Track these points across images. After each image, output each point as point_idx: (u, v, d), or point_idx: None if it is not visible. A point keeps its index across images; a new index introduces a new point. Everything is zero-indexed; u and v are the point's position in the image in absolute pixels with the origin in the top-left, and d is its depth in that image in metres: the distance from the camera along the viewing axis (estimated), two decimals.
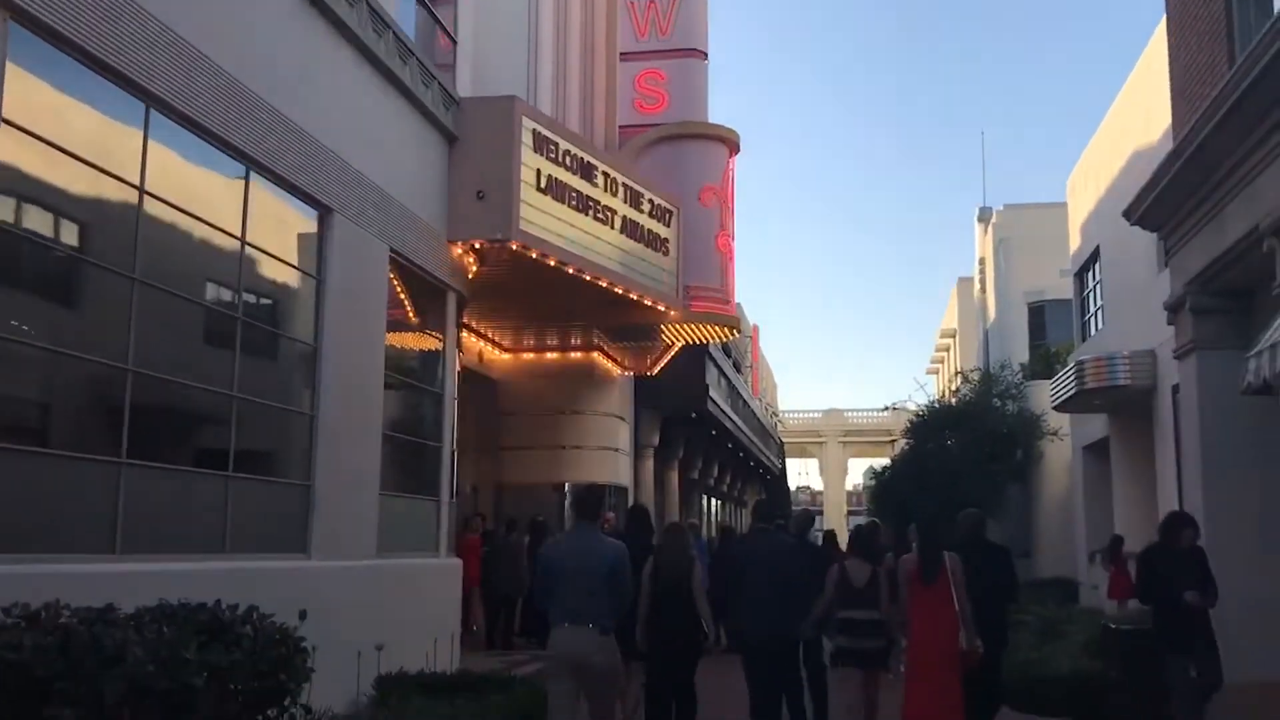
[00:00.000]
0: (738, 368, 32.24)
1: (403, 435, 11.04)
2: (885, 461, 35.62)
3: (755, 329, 44.24)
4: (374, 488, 9.91)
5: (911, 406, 30.71)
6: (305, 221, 9.12)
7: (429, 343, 11.84)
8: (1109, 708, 9.77)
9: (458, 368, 12.35)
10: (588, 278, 12.95)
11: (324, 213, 9.22)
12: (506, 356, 18.33)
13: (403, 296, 11.15)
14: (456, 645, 11.33)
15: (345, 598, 9.03)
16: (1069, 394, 18.32)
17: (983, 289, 37.54)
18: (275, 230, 8.71)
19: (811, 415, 66.85)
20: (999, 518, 27.84)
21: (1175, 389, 14.69)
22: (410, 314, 11.44)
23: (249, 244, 8.18)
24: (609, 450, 18.90)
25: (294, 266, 8.98)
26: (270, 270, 8.73)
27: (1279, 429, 9.22)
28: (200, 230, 7.68)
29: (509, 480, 18.38)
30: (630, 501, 20.87)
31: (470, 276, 12.33)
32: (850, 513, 57.38)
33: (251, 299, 8.49)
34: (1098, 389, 17.08)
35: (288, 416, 8.92)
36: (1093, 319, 21.99)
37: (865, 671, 8.47)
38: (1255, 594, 8.08)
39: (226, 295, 8.15)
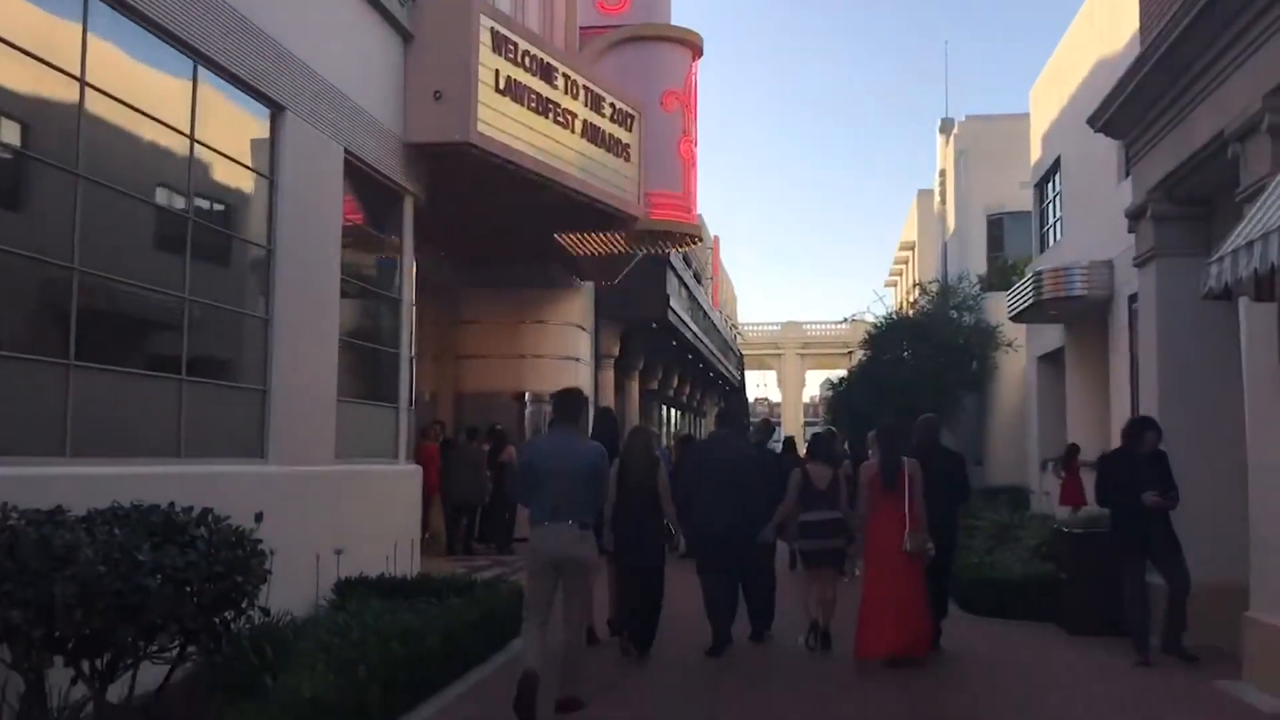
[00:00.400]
0: (698, 279, 32.14)
1: (360, 342, 10.91)
2: (842, 374, 35.83)
3: (716, 240, 44.02)
4: (331, 393, 9.80)
5: (869, 319, 30.84)
6: (256, 120, 8.85)
7: (386, 248, 11.64)
8: (1060, 609, 10.01)
9: (415, 274, 12.18)
10: (548, 182, 12.74)
11: (275, 111, 8.94)
12: (466, 264, 18.11)
13: (359, 200, 10.92)
14: (416, 551, 11.35)
15: (304, 503, 8.98)
16: (1026, 305, 18.38)
17: (943, 201, 37.49)
18: (225, 129, 8.44)
19: (770, 328, 67.07)
20: (953, 428, 28.22)
21: (1132, 299, 14.78)
22: (367, 218, 11.22)
23: (199, 142, 7.92)
24: (569, 360, 18.86)
25: (246, 167, 8.73)
26: (221, 170, 8.48)
27: (1235, 337, 9.29)
28: (147, 127, 7.41)
29: (468, 389, 18.32)
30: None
31: (428, 180, 12.09)
32: (807, 424, 57.92)
33: (202, 199, 8.25)
34: (1055, 299, 17.12)
35: (242, 320, 8.75)
36: (1051, 230, 22.01)
37: (825, 568, 8.95)
38: (1208, 498, 8.21)
39: (176, 195, 7.91)
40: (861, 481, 8.68)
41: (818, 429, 14.25)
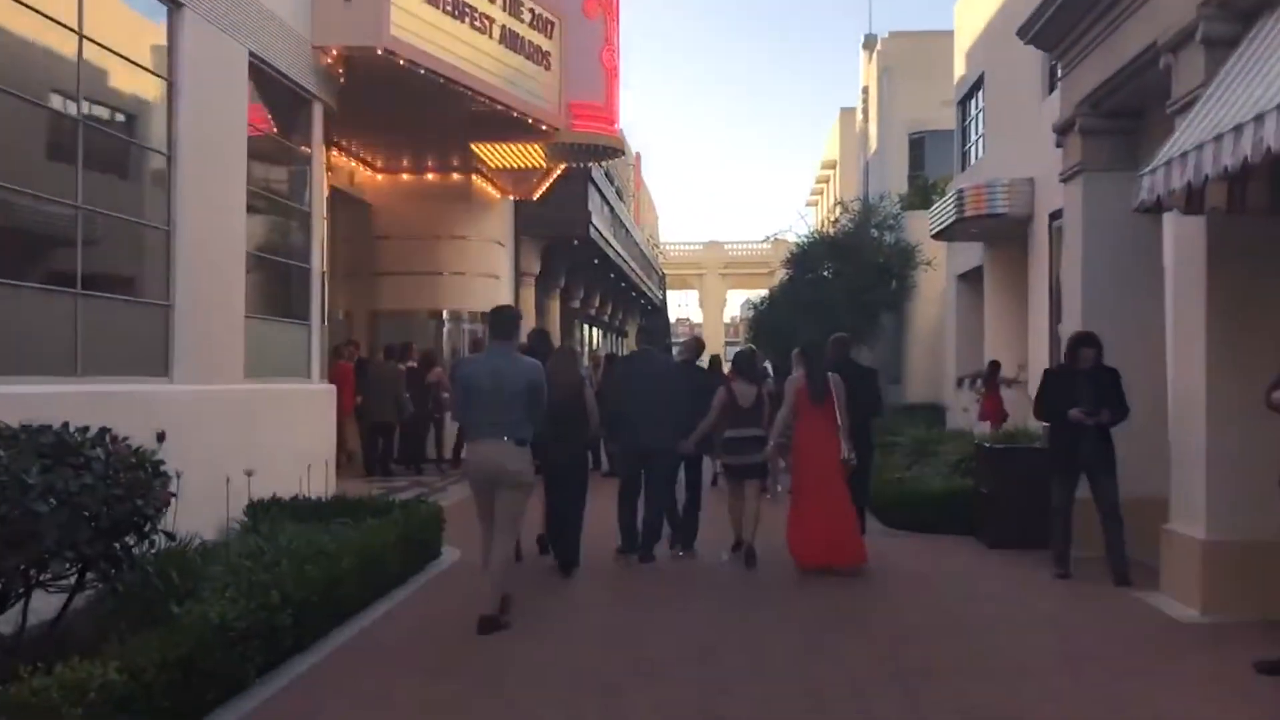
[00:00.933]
0: (620, 196, 31.74)
1: (269, 256, 10.49)
2: (764, 293, 35.84)
3: (637, 157, 43.55)
4: (239, 309, 9.41)
5: (792, 238, 30.78)
6: (153, 18, 8.31)
7: (295, 158, 11.13)
8: (979, 522, 10.11)
9: (326, 186, 11.71)
10: (464, 90, 12.29)
11: (173, 8, 8.40)
12: (380, 178, 17.57)
13: (266, 107, 10.40)
14: (332, 472, 11.07)
15: (212, 422, 8.64)
16: (948, 222, 18.40)
17: (865, 120, 37.39)
18: (118, 26, 7.90)
19: (693, 247, 66.87)
20: (873, 346, 28.47)
21: (1053, 217, 14.84)
22: (274, 126, 10.71)
23: (89, 39, 7.39)
24: (488, 277, 18.47)
25: (142, 68, 8.20)
26: (116, 71, 7.95)
27: (1160, 254, 9.32)
28: (29, 22, 6.87)
29: (384, 307, 17.87)
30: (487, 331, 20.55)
31: (339, 87, 11.57)
32: (728, 343, 58.10)
33: (94, 103, 7.73)
34: (976, 217, 17.14)
35: (142, 232, 8.29)
36: (973, 149, 22.03)
37: (748, 483, 9.09)
38: (1133, 414, 8.23)
39: (65, 98, 7.39)
40: (788, 395, 8.85)
41: (740, 348, 14.18)
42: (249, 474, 8.00)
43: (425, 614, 7.07)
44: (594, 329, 35.99)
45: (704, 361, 11.18)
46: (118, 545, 4.91)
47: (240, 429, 9.11)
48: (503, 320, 7.18)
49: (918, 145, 32.02)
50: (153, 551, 5.43)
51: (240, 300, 9.44)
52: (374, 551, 7.22)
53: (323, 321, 11.45)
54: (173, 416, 8.11)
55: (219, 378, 8.98)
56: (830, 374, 8.81)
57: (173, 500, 6.16)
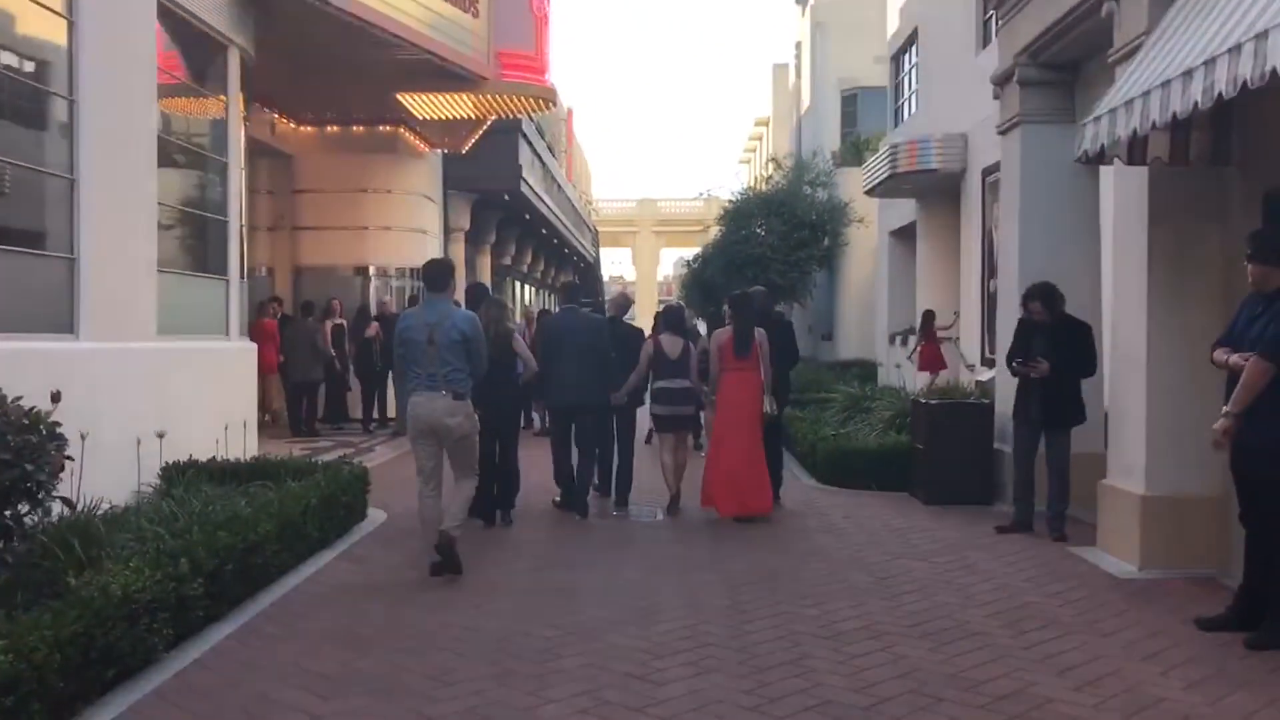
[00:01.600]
0: (552, 152, 31.26)
1: (184, 208, 10.01)
2: (697, 251, 35.63)
3: (570, 113, 42.94)
4: (150, 263, 8.94)
5: (724, 196, 30.55)
6: None
7: (210, 107, 10.62)
8: (914, 478, 10.03)
9: (244, 137, 11.20)
10: (386, 36, 11.81)
11: None
12: (303, 129, 16.97)
13: (179, 52, 9.88)
14: (252, 433, 10.66)
15: (122, 382, 8.23)
16: (881, 178, 18.28)
17: (798, 76, 37.20)
18: None
19: (625, 204, 66.44)
20: (804, 303, 28.47)
21: (986, 172, 14.78)
22: (188, 74, 10.19)
23: None
24: (416, 232, 18.00)
25: (42, 5, 7.68)
26: (12, 9, 7.44)
27: (1096, 207, 9.24)
28: None
29: (307, 262, 17.34)
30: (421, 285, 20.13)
31: (256, 33, 11.04)
32: (661, 301, 57.96)
33: None
34: (909, 173, 17.04)
35: (42, 181, 7.81)
36: (906, 104, 21.94)
37: (676, 434, 9.40)
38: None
39: None
40: (713, 347, 9.03)
41: (668, 304, 14.04)
42: (160, 435, 7.62)
43: (349, 579, 6.79)
44: (526, 286, 35.55)
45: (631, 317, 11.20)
46: (7, 514, 4.56)
47: (153, 388, 8.70)
48: (436, 272, 7.21)
49: (850, 102, 31.92)
50: (49, 520, 5.08)
51: (152, 254, 8.98)
52: (293, 516, 6.90)
53: (242, 277, 10.99)
54: (78, 375, 7.69)
55: (129, 335, 8.54)
56: (757, 329, 8.97)
57: (75, 464, 5.83)
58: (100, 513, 6.63)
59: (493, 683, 4.75)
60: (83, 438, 6.59)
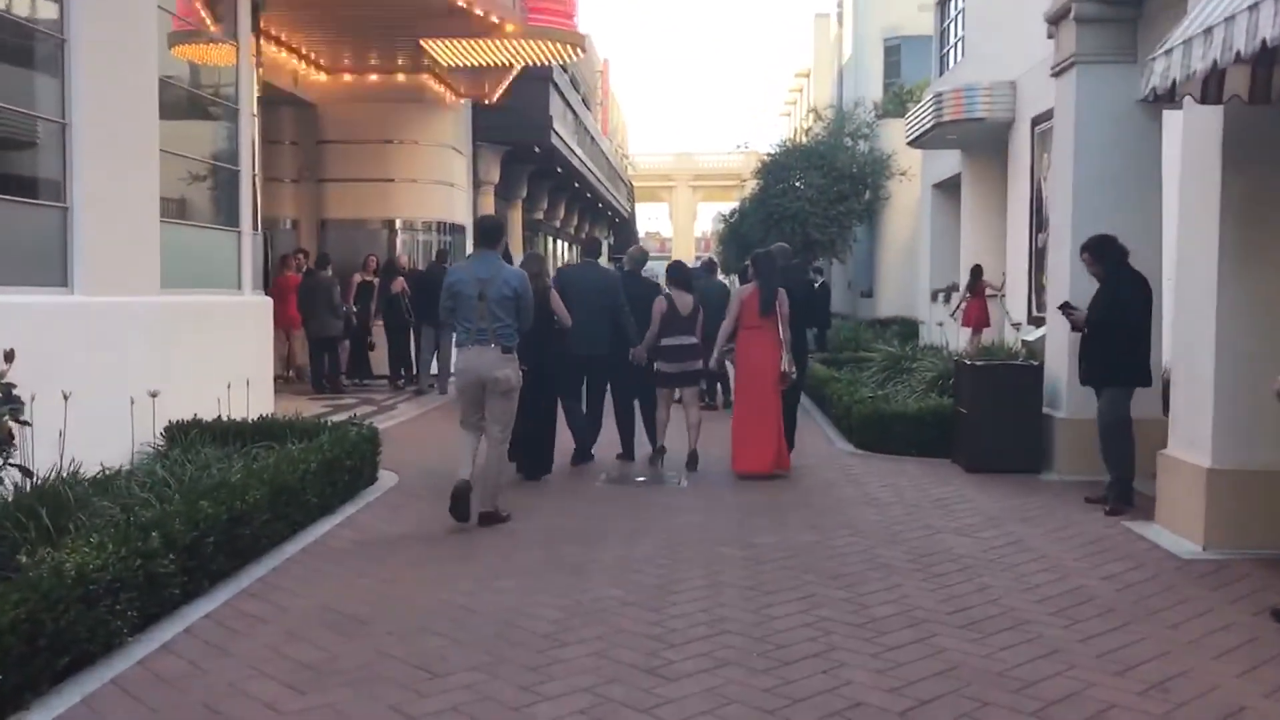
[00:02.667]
0: (586, 104, 30.59)
1: (191, 157, 9.57)
2: (734, 206, 34.88)
3: (605, 64, 42.20)
4: (153, 213, 8.52)
5: (764, 150, 29.73)
6: None
7: (220, 52, 10.13)
8: (956, 444, 9.47)
9: (257, 82, 10.72)
10: None
11: None
12: (326, 78, 16.47)
13: None
14: (266, 390, 10.26)
15: (121, 337, 7.85)
16: (925, 128, 17.53)
17: (840, 25, 36.20)
18: None
19: (662, 158, 65.55)
20: (844, 258, 27.79)
21: (1035, 121, 14.04)
22: (196, 14, 9.70)
23: None
24: (443, 184, 17.49)
25: None
26: None
27: (1157, 153, 8.57)
28: None
29: (333, 215, 16.88)
30: (472, 241, 19.66)
31: None
32: (698, 258, 57.28)
33: None
34: (955, 122, 16.30)
35: (31, 124, 7.37)
36: (951, 52, 21.11)
37: (687, 390, 9.42)
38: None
39: None
40: (735, 303, 8.97)
41: (709, 257, 13.42)
42: (153, 395, 7.20)
43: (345, 550, 6.36)
44: (559, 242, 35.00)
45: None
46: None
47: (156, 344, 8.31)
48: (487, 228, 7.43)
49: (894, 51, 31.04)
50: (14, 487, 4.66)
51: (154, 204, 8.54)
52: (289, 481, 6.46)
53: (255, 229, 10.56)
54: (73, 330, 7.32)
55: (128, 288, 8.13)
56: (781, 289, 8.89)
57: (61, 424, 5.42)
58: (91, 476, 6.27)
59: (486, 675, 4.29)
60: (65, 397, 6.20)
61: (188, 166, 9.58)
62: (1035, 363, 9.44)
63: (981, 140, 17.06)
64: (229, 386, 8.86)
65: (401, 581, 5.68)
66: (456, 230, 17.75)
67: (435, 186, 17.33)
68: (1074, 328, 7.86)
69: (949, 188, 20.94)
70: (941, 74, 21.31)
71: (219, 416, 8.46)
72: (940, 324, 17.54)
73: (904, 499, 7.98)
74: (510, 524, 7.02)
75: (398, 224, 17.09)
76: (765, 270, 8.91)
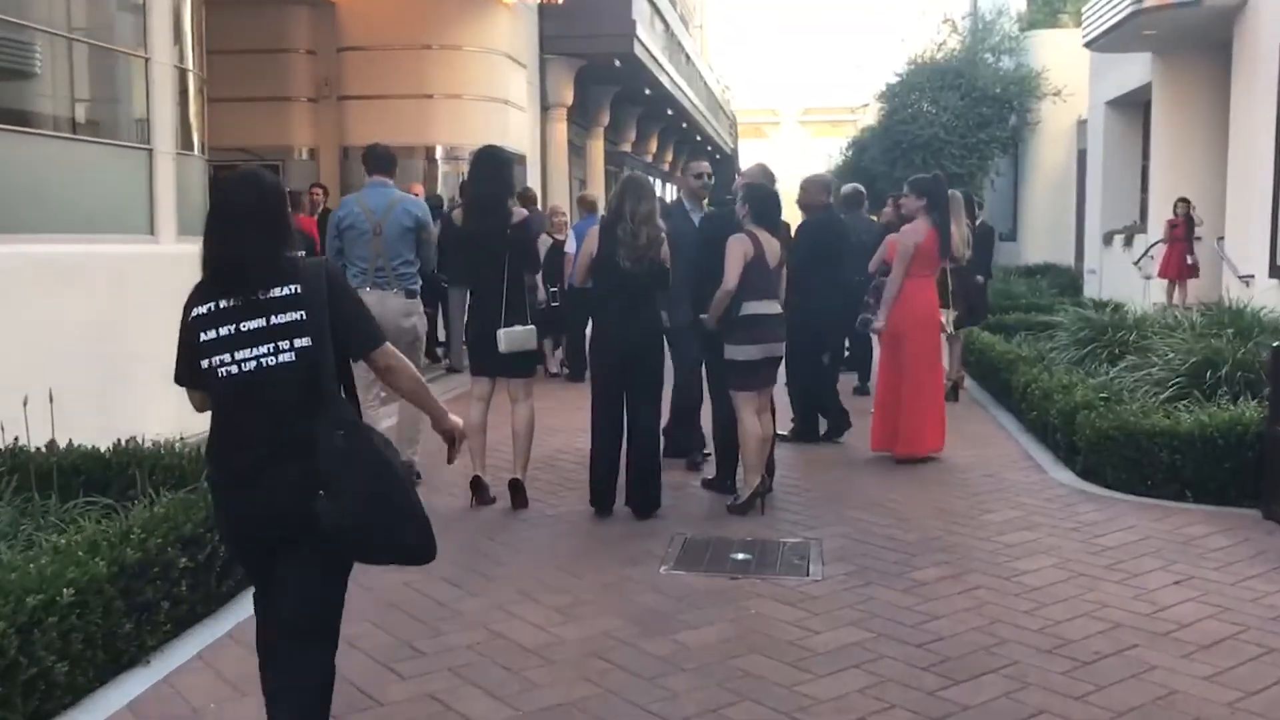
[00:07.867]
0: (685, 25, 26.93)
1: (58, 33, 6.38)
2: (847, 141, 30.92)
3: None
4: None
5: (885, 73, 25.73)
6: None
7: None
8: (1268, 485, 5.75)
9: None
10: None
11: None
12: None
13: None
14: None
15: None
16: (1115, 20, 13.56)
17: None
18: None
19: (767, 90, 61.42)
20: (983, 195, 23.86)
21: None
22: None
23: None
24: (496, 102, 14.08)
25: None
26: None
27: None
28: None
29: (357, 140, 13.58)
30: (537, 175, 16.41)
31: None
32: (829, 178, 53.54)
33: None
34: (1162, 8, 12.39)
35: None
36: None
37: (761, 391, 6.08)
38: None
39: None
40: (904, 248, 7.13)
41: (854, 186, 10.17)
42: None
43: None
44: (652, 179, 31.44)
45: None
46: None
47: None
48: (379, 154, 6.70)
49: None
50: None
51: None
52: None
53: (180, 147, 7.35)
54: None
55: None
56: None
57: None
58: None
59: None
60: None
61: (56, 49, 6.40)
62: None
63: (1189, 37, 13.46)
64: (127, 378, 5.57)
65: None
66: (516, 161, 14.34)
67: (486, 105, 13.96)
68: None
69: (1129, 104, 17.12)
70: None
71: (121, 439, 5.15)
72: (1145, 272, 13.88)
73: (1239, 618, 4.35)
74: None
75: (438, 152, 13.83)
76: (942, 201, 7.38)
